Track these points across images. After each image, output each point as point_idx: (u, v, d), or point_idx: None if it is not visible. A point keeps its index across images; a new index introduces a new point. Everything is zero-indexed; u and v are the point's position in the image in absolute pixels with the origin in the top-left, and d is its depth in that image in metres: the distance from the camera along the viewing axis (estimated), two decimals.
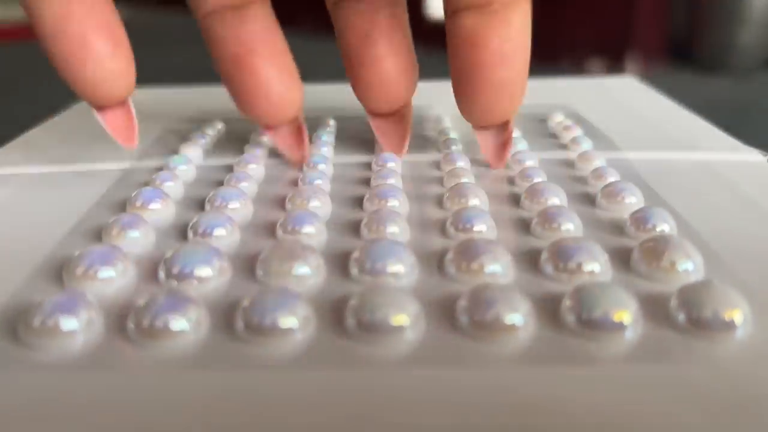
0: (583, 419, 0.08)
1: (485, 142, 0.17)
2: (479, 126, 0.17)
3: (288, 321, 0.10)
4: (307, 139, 0.17)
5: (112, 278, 0.12)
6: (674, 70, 0.58)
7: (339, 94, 0.25)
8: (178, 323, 0.10)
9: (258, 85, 0.15)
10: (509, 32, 0.14)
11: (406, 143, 0.18)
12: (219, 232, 0.13)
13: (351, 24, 0.16)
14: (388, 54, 0.16)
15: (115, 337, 0.10)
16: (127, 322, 0.10)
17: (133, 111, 0.16)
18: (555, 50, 0.60)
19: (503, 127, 0.17)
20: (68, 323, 0.10)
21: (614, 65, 0.58)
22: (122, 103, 0.16)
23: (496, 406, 0.09)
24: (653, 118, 0.22)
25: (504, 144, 0.17)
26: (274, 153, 0.19)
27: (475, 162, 0.18)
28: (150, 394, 0.09)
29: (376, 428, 0.08)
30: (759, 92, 0.49)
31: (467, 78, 0.15)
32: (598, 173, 0.16)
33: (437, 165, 0.18)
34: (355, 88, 0.17)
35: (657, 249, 0.12)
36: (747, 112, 0.43)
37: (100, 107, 0.16)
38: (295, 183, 0.17)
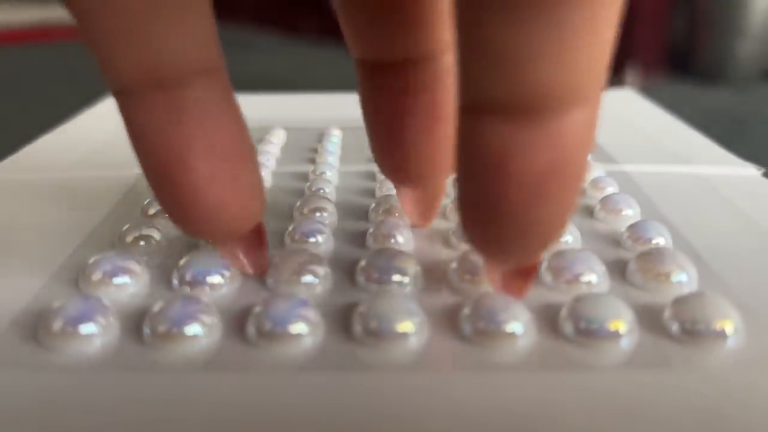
0: (580, 424, 0.09)
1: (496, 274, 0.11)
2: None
3: (298, 327, 0.10)
4: (266, 249, 0.12)
5: (127, 284, 0.12)
6: (673, 80, 0.58)
7: (344, 103, 0.25)
8: (193, 328, 0.10)
9: (196, 201, 0.10)
10: (563, 149, 0.09)
11: (434, 215, 0.15)
12: None
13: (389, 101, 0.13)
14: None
15: (131, 340, 0.11)
16: (143, 326, 0.11)
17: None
18: None
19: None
20: (86, 327, 0.10)
21: (614, 75, 0.58)
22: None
23: (496, 410, 0.09)
24: (651, 131, 0.23)
25: (526, 276, 0.11)
26: (280, 161, 0.20)
27: None
28: (164, 395, 0.09)
29: (380, 429, 0.09)
30: (757, 103, 0.49)
31: (485, 208, 0.10)
32: (596, 184, 0.17)
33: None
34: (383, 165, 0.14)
35: (652, 261, 0.12)
36: (745, 124, 0.43)
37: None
38: (301, 192, 0.17)
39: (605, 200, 0.15)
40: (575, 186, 0.10)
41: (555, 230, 0.10)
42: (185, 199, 0.10)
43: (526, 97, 0.08)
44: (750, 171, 0.18)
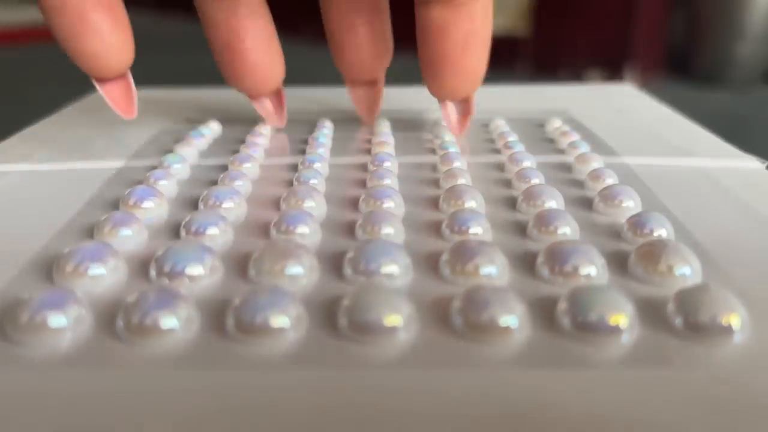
0: (578, 422, 0.08)
1: (448, 113, 0.19)
2: (444, 101, 0.19)
3: (279, 320, 0.10)
4: (285, 106, 0.21)
5: (103, 276, 0.11)
6: (672, 82, 0.58)
7: (336, 98, 0.25)
8: (168, 321, 0.10)
9: (245, 68, 0.18)
10: (473, 25, 0.16)
11: (378, 110, 0.21)
12: (212, 230, 0.13)
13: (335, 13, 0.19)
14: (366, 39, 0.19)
15: (104, 334, 0.10)
16: (116, 319, 0.10)
17: (132, 83, 0.18)
18: (554, 61, 0.60)
19: (465, 101, 0.19)
20: (56, 320, 0.10)
21: (613, 77, 0.58)
22: (122, 75, 0.18)
23: (490, 409, 0.08)
24: (651, 124, 0.22)
25: (465, 115, 0.20)
26: (270, 153, 0.19)
27: (472, 165, 0.18)
28: (138, 392, 0.09)
29: (367, 428, 0.08)
30: (756, 106, 0.49)
31: (435, 65, 0.17)
32: (595, 176, 0.16)
33: (434, 167, 0.18)
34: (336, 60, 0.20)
35: (654, 253, 0.11)
36: (744, 126, 0.43)
37: (100, 79, 0.17)
38: (290, 183, 0.16)
39: (604, 192, 0.15)
40: (485, 46, 0.17)
41: (477, 75, 0.18)
42: (237, 60, 0.18)
43: None
44: (753, 164, 0.17)
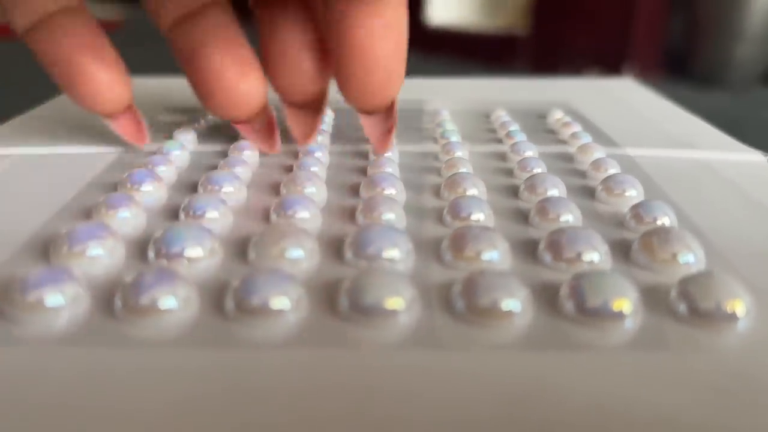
0: (580, 404, 0.08)
1: (370, 127, 0.17)
2: (365, 110, 0.17)
3: (280, 302, 0.10)
4: (277, 132, 0.18)
5: (100, 256, 0.11)
6: (670, 83, 0.58)
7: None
8: (167, 300, 0.10)
9: (213, 77, 0.16)
10: (384, 10, 0.15)
11: (315, 134, 0.18)
12: (211, 214, 0.13)
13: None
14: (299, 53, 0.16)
15: (102, 314, 0.10)
16: (114, 299, 0.10)
17: (139, 114, 0.18)
18: (553, 61, 0.60)
19: (388, 113, 0.17)
20: (53, 298, 0.10)
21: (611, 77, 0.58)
22: (127, 108, 0.17)
23: (491, 390, 0.08)
24: (652, 117, 0.22)
25: (389, 129, 0.17)
26: None
27: (474, 154, 0.18)
28: (136, 370, 0.09)
29: (367, 409, 0.08)
30: (754, 107, 0.49)
31: (345, 59, 0.15)
32: (597, 166, 0.16)
33: (435, 156, 0.18)
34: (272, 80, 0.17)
35: (658, 240, 0.11)
36: (743, 127, 0.43)
37: (107, 116, 0.17)
38: (290, 169, 0.16)
39: (607, 181, 0.15)
40: (399, 32, 0.15)
41: (393, 67, 0.15)
42: (209, 83, 0.16)
43: None
44: (755, 156, 0.17)
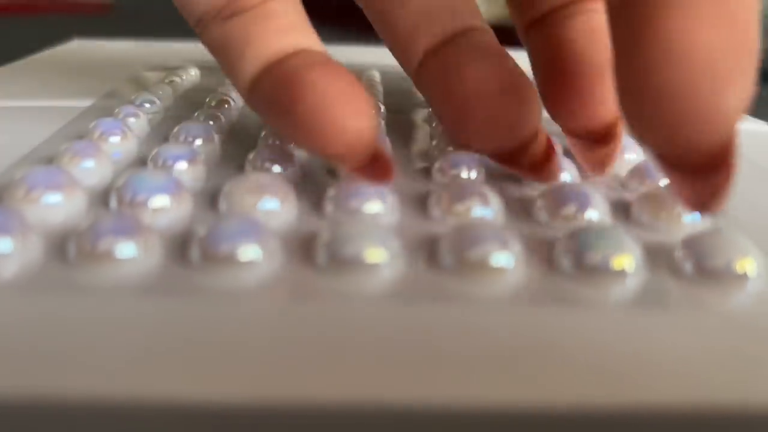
0: (576, 359, 0.07)
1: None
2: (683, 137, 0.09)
3: (249, 251, 0.09)
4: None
5: (58, 204, 0.10)
6: None
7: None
8: (126, 247, 0.09)
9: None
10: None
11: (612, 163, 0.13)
12: (181, 165, 0.12)
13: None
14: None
15: (57, 261, 0.09)
16: (68, 245, 0.09)
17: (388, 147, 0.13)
18: None
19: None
20: (1, 243, 0.09)
21: None
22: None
23: (482, 344, 0.07)
24: None
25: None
26: None
27: None
28: (92, 318, 0.08)
29: (342, 361, 0.07)
30: (754, 106, 0.48)
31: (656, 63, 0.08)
32: None
33: (428, 132, 0.17)
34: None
35: (661, 198, 0.11)
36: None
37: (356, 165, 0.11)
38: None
39: None
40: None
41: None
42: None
43: None
44: (762, 127, 0.17)
